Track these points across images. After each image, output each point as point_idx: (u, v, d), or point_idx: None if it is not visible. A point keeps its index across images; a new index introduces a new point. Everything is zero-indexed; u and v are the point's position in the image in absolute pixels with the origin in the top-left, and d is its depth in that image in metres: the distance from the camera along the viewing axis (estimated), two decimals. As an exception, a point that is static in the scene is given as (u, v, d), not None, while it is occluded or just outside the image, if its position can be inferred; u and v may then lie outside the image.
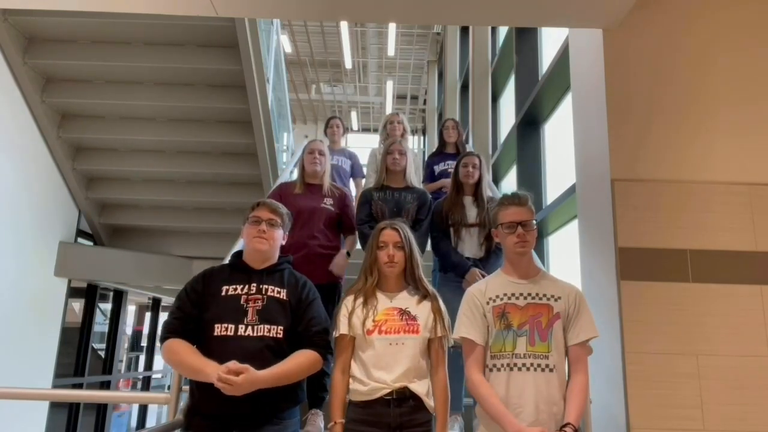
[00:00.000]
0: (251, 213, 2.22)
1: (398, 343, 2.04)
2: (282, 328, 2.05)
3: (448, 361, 2.96)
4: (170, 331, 2.04)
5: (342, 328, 2.09)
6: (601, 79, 2.92)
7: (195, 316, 2.06)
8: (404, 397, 2.01)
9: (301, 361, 2.02)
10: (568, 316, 2.00)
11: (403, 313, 2.10)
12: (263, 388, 1.92)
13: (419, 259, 2.21)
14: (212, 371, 1.88)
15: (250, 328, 2.02)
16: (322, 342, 2.10)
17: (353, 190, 4.73)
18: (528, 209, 2.06)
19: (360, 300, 2.12)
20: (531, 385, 1.90)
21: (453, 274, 3.08)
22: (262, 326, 2.03)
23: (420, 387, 2.04)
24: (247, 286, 2.10)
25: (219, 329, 2.01)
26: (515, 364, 1.93)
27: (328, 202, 3.10)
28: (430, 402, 2.06)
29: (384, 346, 2.04)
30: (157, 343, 9.59)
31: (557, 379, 1.94)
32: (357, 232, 3.22)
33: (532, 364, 1.91)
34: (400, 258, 2.15)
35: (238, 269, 2.18)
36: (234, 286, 2.10)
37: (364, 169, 4.72)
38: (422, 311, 2.12)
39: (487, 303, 2.02)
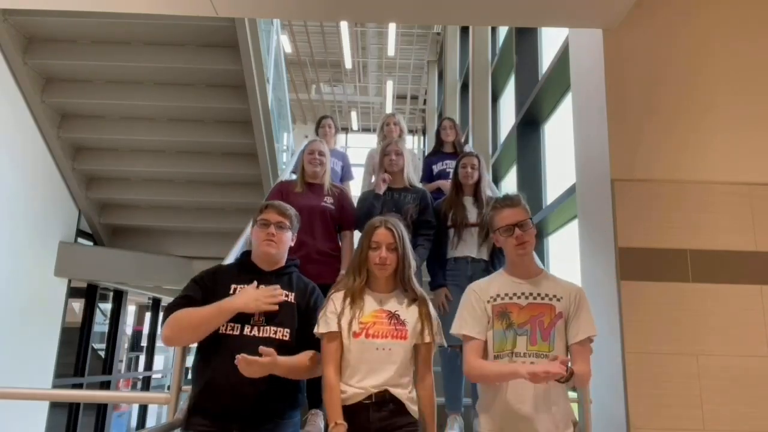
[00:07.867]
0: (260, 216, 2.18)
1: (385, 348, 1.95)
2: (288, 330, 2.04)
3: (447, 361, 2.99)
4: (175, 308, 2.00)
5: (332, 325, 1.97)
6: (601, 79, 2.92)
7: (200, 302, 2.02)
8: (384, 401, 1.93)
9: (311, 356, 2.03)
10: (569, 315, 2.00)
11: (392, 316, 2.00)
12: (266, 381, 1.92)
13: (412, 260, 2.10)
14: (236, 301, 1.97)
15: (256, 328, 2.01)
16: None
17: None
18: (522, 209, 2.04)
19: (348, 300, 2.03)
20: (530, 384, 1.88)
21: (451, 274, 3.09)
22: (268, 327, 2.02)
23: (402, 391, 1.96)
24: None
25: (225, 327, 2.00)
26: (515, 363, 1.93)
27: (328, 201, 3.12)
28: (413, 407, 1.98)
29: (370, 350, 1.95)
30: (158, 342, 9.59)
31: None
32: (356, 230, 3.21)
33: (532, 363, 1.91)
34: (393, 260, 2.03)
35: (247, 269, 2.16)
36: (242, 286, 2.08)
37: (353, 170, 4.72)
38: (411, 315, 2.03)
39: (488, 301, 2.02)
